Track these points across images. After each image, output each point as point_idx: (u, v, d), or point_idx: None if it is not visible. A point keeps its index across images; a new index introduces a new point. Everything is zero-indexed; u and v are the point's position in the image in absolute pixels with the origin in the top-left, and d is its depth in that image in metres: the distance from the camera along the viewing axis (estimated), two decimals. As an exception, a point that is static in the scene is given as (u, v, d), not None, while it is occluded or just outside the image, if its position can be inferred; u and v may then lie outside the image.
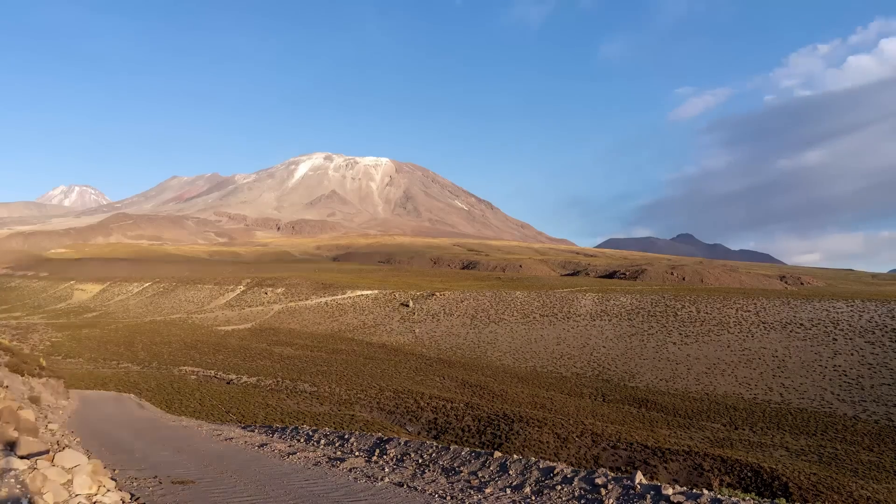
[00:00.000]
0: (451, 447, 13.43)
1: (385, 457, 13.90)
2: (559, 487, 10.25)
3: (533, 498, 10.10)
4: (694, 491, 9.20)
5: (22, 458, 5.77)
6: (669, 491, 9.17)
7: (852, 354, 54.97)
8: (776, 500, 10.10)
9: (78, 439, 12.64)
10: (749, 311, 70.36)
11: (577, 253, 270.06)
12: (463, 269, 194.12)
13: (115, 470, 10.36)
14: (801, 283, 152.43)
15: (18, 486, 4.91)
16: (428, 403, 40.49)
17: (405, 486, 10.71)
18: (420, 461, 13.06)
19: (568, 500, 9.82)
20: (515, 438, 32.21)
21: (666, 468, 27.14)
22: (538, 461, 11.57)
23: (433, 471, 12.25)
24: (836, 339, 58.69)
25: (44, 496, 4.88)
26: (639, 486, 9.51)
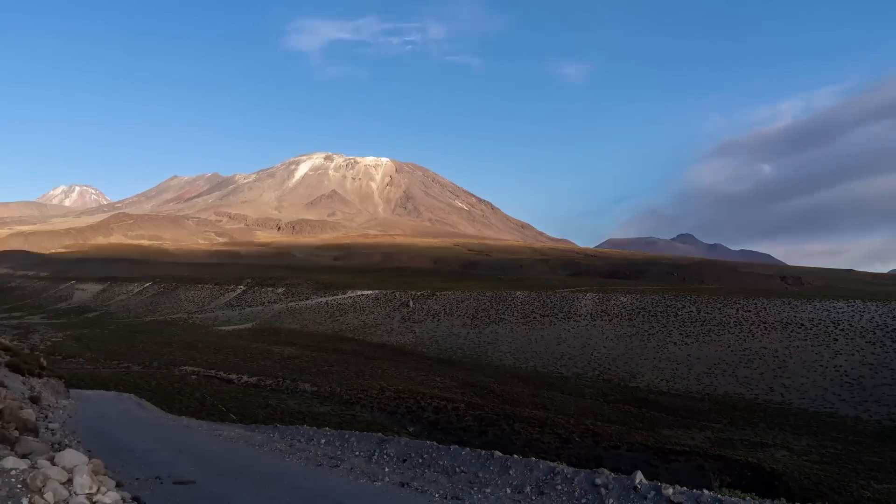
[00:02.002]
0: (452, 447, 13.40)
1: (386, 457, 13.89)
2: (560, 487, 10.23)
3: (534, 498, 10.09)
4: (695, 491, 9.18)
5: (22, 457, 5.77)
6: (670, 491, 9.15)
7: (853, 354, 54.91)
8: (777, 500, 10.08)
9: (78, 439, 12.63)
10: (749, 311, 70.34)
11: (578, 253, 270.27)
12: (463, 269, 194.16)
13: (115, 470, 10.35)
14: (802, 283, 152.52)
15: (19, 486, 4.91)
16: (429, 403, 40.48)
17: (406, 486, 10.70)
18: (421, 461, 13.04)
19: (568, 500, 9.81)
20: (517, 438, 32.21)
21: (667, 468, 27.14)
22: (539, 461, 11.56)
23: (434, 471, 12.24)
24: (836, 339, 58.64)
25: (44, 495, 4.87)
26: (639, 486, 9.49)
